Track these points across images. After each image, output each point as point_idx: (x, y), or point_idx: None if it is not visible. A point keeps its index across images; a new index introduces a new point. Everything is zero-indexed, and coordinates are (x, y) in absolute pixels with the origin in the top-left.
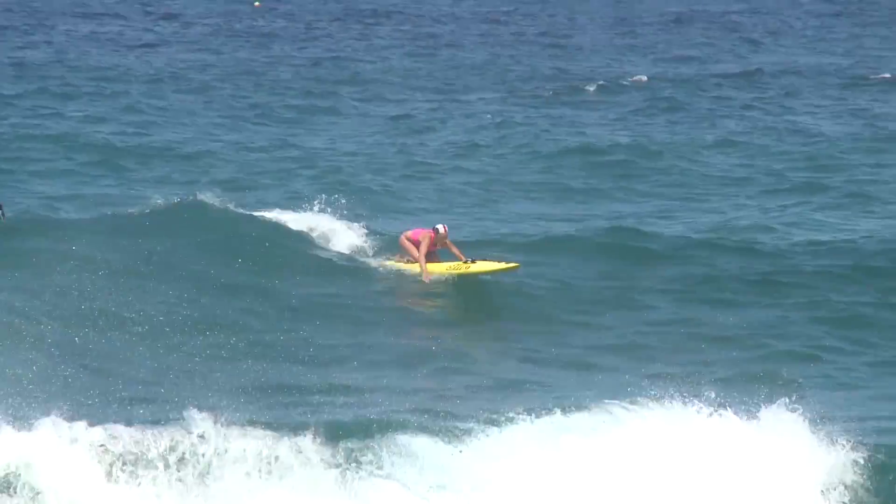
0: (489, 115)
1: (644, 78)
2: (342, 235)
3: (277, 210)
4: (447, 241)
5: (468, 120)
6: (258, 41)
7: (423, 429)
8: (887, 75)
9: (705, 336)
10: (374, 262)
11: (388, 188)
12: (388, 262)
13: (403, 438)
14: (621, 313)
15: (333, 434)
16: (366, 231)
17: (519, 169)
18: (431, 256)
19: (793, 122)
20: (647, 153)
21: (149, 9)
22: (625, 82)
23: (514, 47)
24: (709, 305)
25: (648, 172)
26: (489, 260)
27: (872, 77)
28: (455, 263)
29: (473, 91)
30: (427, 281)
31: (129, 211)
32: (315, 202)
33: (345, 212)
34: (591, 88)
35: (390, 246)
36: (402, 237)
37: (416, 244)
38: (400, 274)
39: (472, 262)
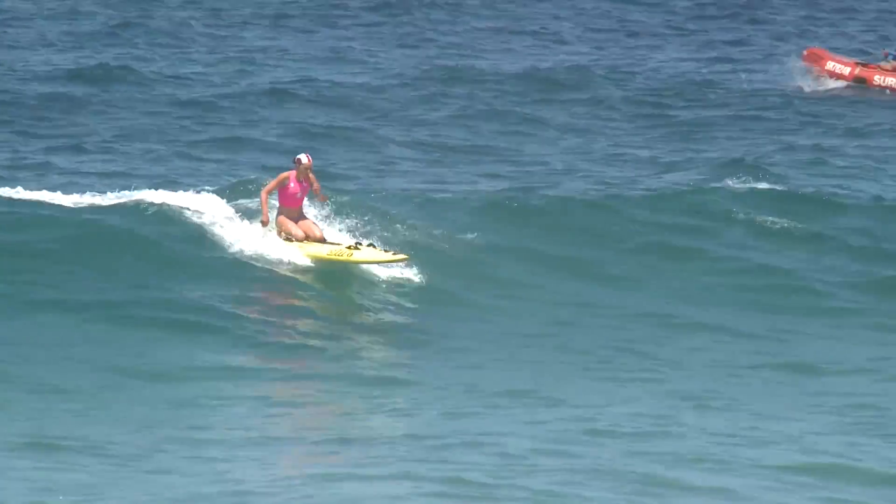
0: None
1: None
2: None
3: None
4: (310, 175)
5: None
6: None
7: None
8: None
9: None
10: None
11: None
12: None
13: None
14: None
15: None
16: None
17: None
18: (290, 200)
19: None
20: None
21: None
22: None
23: None
24: None
25: None
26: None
27: None
28: (337, 250)
29: None
30: (265, 227)
31: None
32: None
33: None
34: None
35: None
36: (263, 191)
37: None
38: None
39: (357, 247)
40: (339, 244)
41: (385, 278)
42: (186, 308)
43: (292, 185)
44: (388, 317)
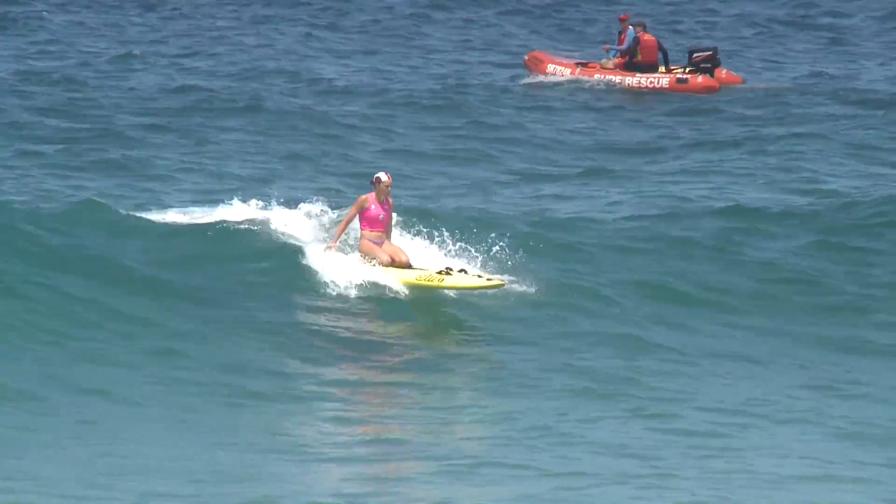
0: None
1: None
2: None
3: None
4: (389, 199)
5: None
6: None
7: None
8: None
9: None
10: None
11: None
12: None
13: None
14: None
15: None
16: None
17: None
18: (373, 223)
19: None
20: None
21: None
22: None
23: None
24: None
25: None
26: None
27: None
28: (426, 275)
29: None
30: (333, 249)
31: None
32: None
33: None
34: None
35: None
36: (344, 219)
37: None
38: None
39: (448, 272)
40: (427, 269)
41: (479, 304)
42: (263, 330)
43: (373, 207)
44: (483, 347)
